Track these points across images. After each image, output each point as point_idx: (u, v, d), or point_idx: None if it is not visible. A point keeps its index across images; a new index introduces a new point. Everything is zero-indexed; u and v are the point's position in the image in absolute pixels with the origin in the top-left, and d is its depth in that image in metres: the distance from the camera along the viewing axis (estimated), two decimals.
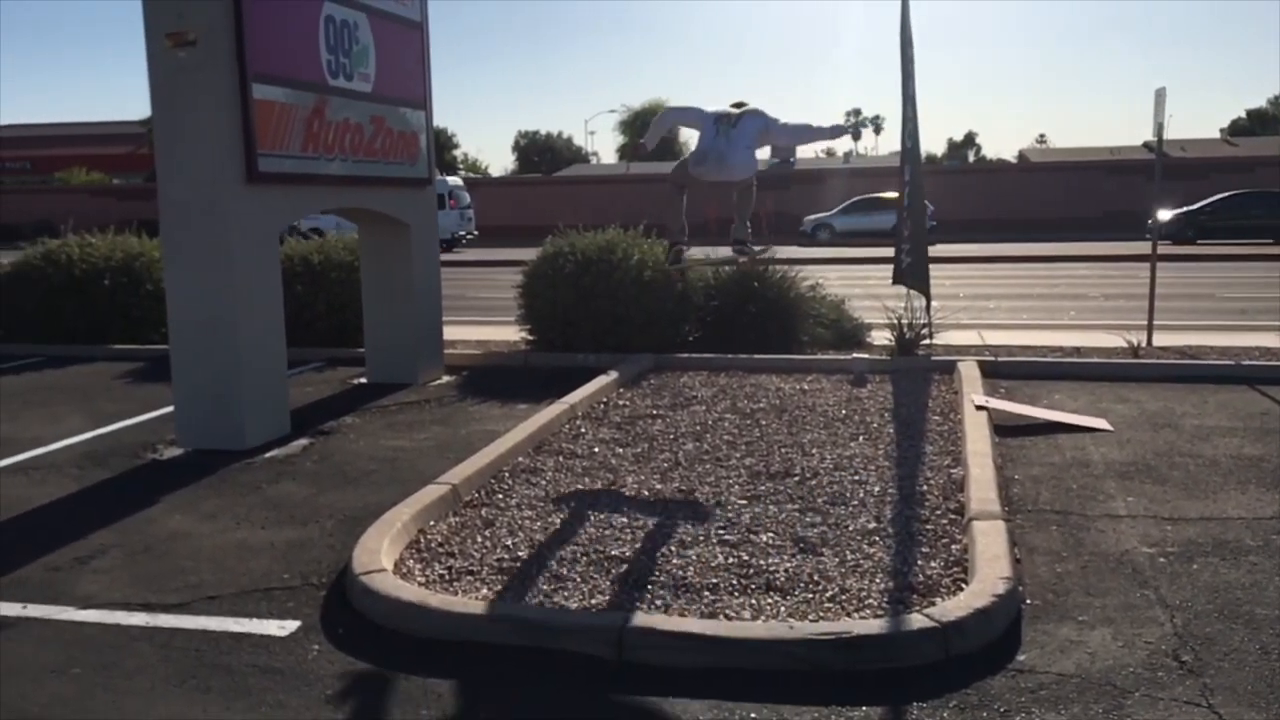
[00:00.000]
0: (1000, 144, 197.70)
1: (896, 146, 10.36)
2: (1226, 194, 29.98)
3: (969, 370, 8.45)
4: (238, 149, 6.64)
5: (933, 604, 3.94)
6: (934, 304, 10.09)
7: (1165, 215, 29.29)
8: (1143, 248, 20.90)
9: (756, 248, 7.72)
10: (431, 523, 5.11)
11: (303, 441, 6.98)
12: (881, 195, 33.35)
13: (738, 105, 6.86)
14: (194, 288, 6.72)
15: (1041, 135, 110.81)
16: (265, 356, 7.02)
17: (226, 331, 6.72)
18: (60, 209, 38.71)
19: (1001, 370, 8.87)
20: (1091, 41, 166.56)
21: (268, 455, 6.64)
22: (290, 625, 4.05)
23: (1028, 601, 4.09)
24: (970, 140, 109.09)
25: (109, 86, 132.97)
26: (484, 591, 4.27)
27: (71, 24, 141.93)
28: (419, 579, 4.41)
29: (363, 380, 9.17)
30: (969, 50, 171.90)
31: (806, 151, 69.14)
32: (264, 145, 6.78)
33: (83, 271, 11.46)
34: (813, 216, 34.62)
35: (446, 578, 4.43)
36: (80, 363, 10.57)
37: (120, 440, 7.17)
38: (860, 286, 15.26)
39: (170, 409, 7.27)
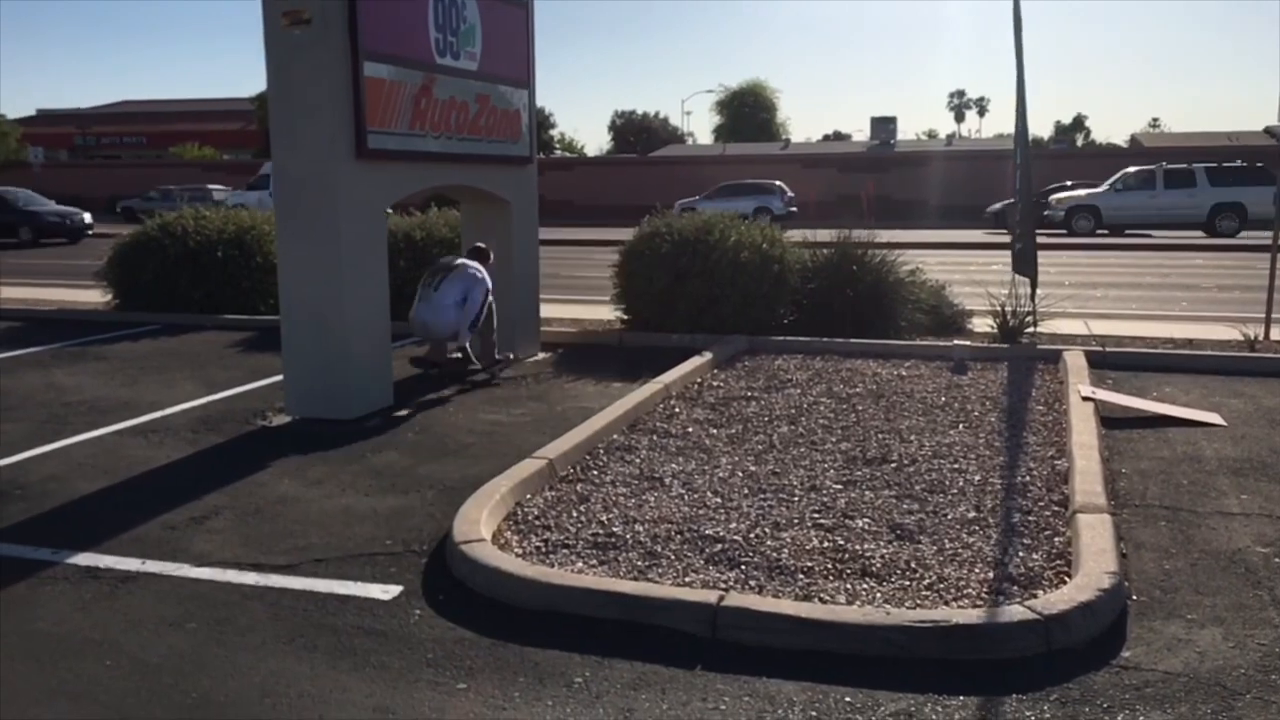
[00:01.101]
0: (1111, 128, 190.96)
1: (999, 129, 10.20)
2: None
3: (1075, 360, 8.22)
4: (349, 126, 6.80)
5: (1034, 596, 3.88)
6: (1039, 291, 9.83)
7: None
8: (1261, 237, 20.02)
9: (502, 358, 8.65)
10: (528, 496, 5.19)
11: (404, 413, 7.15)
12: (744, 181, 35.37)
13: (474, 252, 8.42)
14: (305, 261, 6.91)
15: (1155, 119, 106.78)
16: (371, 330, 7.20)
17: (335, 304, 6.90)
18: (174, 183, 40.28)
19: (1109, 361, 8.61)
20: (1212, 20, 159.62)
21: (371, 425, 6.82)
22: (393, 590, 4.17)
23: (1134, 597, 3.99)
24: (1079, 123, 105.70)
25: (222, 64, 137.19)
26: (579, 565, 4.33)
27: (189, 2, 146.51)
28: (516, 550, 4.49)
29: (461, 355, 9.32)
30: (1080, 30, 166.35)
31: (907, 134, 67.87)
32: (373, 122, 6.93)
33: (197, 243, 11.90)
34: (682, 201, 34.54)
35: (543, 550, 4.50)
36: (193, 331, 10.99)
37: (232, 406, 7.44)
38: (961, 272, 14.97)
39: (279, 378, 7.52)
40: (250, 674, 3.51)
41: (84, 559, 4.52)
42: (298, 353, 7.06)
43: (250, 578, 4.32)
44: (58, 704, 3.33)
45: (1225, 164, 27.06)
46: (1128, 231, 27.45)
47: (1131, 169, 28.57)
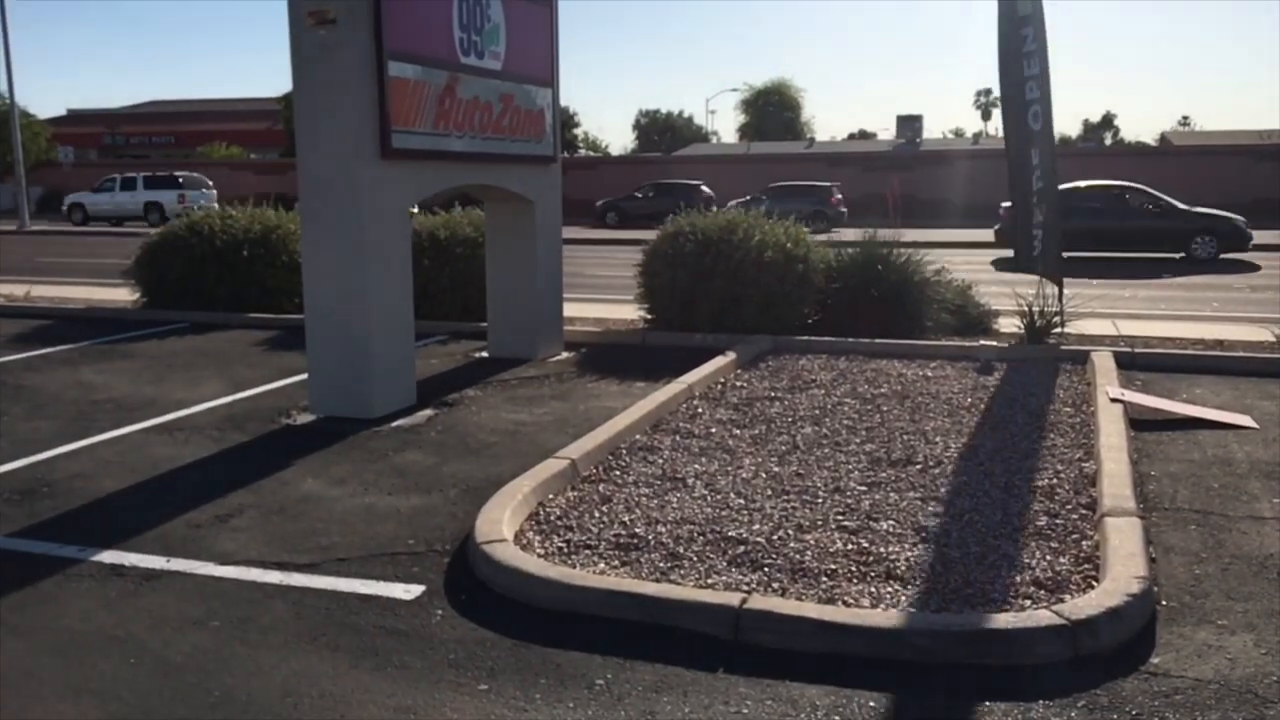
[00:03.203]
0: (1140, 126, 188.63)
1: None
2: (650, 183, 35.13)
3: (1103, 361, 8.13)
4: (373, 125, 6.81)
5: (1061, 600, 3.83)
6: (1066, 292, 9.74)
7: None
8: None
9: None
10: (551, 496, 5.18)
11: (427, 412, 7.16)
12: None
13: None
14: (330, 260, 6.94)
15: (1185, 117, 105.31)
16: (395, 329, 7.22)
17: (359, 303, 6.92)
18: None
19: (1138, 362, 8.51)
20: (1245, 17, 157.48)
21: (394, 424, 6.83)
22: (415, 589, 4.17)
23: (1163, 603, 3.93)
24: (1108, 121, 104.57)
25: (250, 64, 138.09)
26: (601, 566, 4.32)
27: (217, 2, 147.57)
28: (538, 550, 4.48)
29: (484, 354, 9.35)
30: (1110, 27, 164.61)
31: (934, 132, 67.52)
32: (398, 122, 6.94)
33: (224, 242, 11.97)
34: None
35: (565, 550, 4.49)
36: (219, 330, 11.06)
37: (256, 405, 7.48)
38: (987, 272, 14.87)
39: (303, 376, 7.55)
40: (272, 673, 3.52)
41: (109, 556, 4.55)
42: (322, 352, 7.09)
43: (274, 576, 4.33)
44: (82, 700, 3.35)
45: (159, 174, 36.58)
46: None
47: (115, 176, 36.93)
